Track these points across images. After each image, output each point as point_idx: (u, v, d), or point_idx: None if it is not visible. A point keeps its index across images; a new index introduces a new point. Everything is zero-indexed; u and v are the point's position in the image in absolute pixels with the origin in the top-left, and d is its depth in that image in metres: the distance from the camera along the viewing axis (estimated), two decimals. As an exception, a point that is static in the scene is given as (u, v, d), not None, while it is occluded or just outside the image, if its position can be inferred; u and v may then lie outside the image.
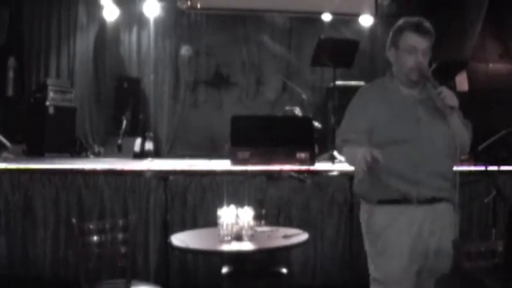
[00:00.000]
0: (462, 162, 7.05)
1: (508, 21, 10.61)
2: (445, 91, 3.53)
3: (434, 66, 8.75)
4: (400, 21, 3.74)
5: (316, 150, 7.87)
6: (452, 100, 3.52)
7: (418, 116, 3.66)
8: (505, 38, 10.75)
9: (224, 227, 4.59)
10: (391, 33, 3.78)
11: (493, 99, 9.15)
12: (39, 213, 6.35)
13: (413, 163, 3.57)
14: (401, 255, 3.60)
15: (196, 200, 6.44)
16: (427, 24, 3.68)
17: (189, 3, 10.73)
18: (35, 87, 10.30)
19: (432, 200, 3.61)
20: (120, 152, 9.47)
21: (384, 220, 3.65)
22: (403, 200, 3.58)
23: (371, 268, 3.79)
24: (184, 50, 11.01)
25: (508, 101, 9.11)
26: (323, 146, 8.59)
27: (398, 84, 3.76)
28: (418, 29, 3.64)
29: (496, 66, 10.62)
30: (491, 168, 6.33)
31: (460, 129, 3.67)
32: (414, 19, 3.69)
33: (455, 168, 3.81)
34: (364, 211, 3.81)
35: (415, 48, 3.63)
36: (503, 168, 6.52)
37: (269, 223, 5.43)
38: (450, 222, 3.73)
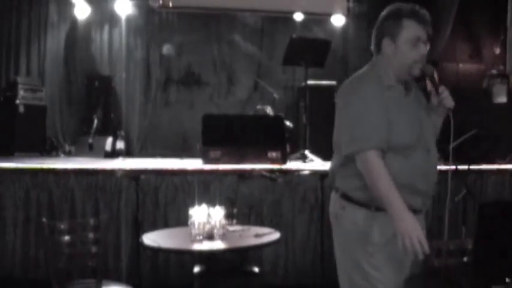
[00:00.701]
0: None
1: (478, 22, 10.72)
2: (446, 92, 3.37)
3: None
4: (395, 8, 3.36)
5: (288, 149, 7.89)
6: (451, 102, 3.37)
7: (420, 119, 3.41)
8: (475, 38, 10.86)
9: (196, 226, 4.59)
10: (384, 21, 3.40)
11: (463, 99, 9.21)
12: (9, 213, 6.30)
13: (423, 172, 3.35)
14: (405, 266, 3.41)
15: (167, 199, 6.43)
16: (425, 10, 3.35)
17: (160, 1, 10.69)
18: (4, 85, 10.20)
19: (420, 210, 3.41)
20: (91, 151, 9.41)
21: (388, 230, 3.25)
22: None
23: (357, 278, 3.39)
24: (166, 49, 10.98)
25: (477, 101, 9.19)
26: (294, 145, 8.60)
27: (395, 81, 3.39)
28: (418, 16, 3.31)
29: (466, 67, 10.73)
30: (461, 167, 6.39)
31: (438, 131, 3.58)
32: (411, 5, 3.33)
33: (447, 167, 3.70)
34: (358, 218, 3.38)
35: (418, 38, 3.30)
36: (473, 167, 6.59)
37: (240, 222, 5.44)
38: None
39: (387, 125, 3.24)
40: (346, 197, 3.44)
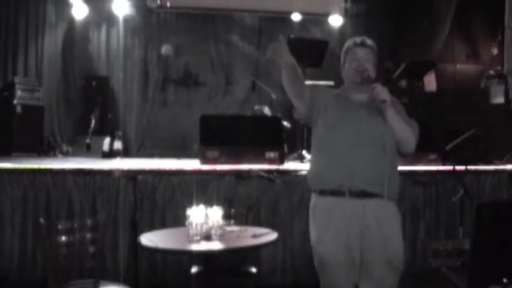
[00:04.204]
0: (430, 162, 7.13)
1: (476, 23, 10.73)
2: (378, 87, 3.88)
3: (403, 66, 8.83)
4: (346, 43, 4.25)
5: (285, 149, 7.88)
6: (384, 94, 3.86)
7: (359, 114, 4.00)
8: (472, 39, 10.88)
9: (193, 226, 4.58)
10: (342, 56, 4.27)
11: (461, 99, 9.24)
12: (6, 213, 6.29)
13: (346, 158, 3.91)
14: (334, 245, 3.91)
15: (165, 200, 6.43)
16: (369, 40, 4.20)
17: (158, 2, 10.71)
18: (2, 85, 10.20)
19: (363, 194, 3.88)
20: (89, 151, 9.40)
21: (324, 210, 3.98)
22: (338, 192, 3.89)
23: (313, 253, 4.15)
24: (165, 49, 10.98)
25: (475, 102, 9.21)
26: (292, 145, 8.61)
27: (350, 91, 4.15)
28: (360, 43, 4.16)
29: (463, 67, 10.74)
30: (458, 167, 6.40)
31: (399, 125, 3.93)
32: (358, 38, 4.23)
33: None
34: (311, 201, 4.13)
35: (356, 55, 4.12)
36: (471, 167, 6.59)
37: (238, 222, 5.43)
38: (390, 216, 3.98)
39: (316, 100, 4.10)
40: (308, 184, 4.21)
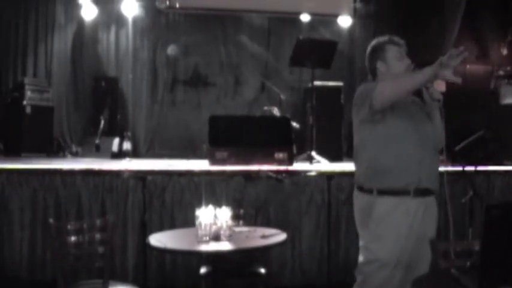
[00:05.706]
0: (439, 163, 7.11)
1: (485, 23, 10.69)
2: (432, 87, 4.07)
3: (412, 67, 8.81)
4: (376, 41, 4.32)
5: (294, 150, 7.87)
6: (438, 94, 4.07)
7: (415, 113, 4.16)
8: (482, 39, 10.83)
9: (202, 227, 4.58)
10: (372, 52, 4.31)
11: (470, 100, 9.20)
12: (16, 213, 6.31)
13: (415, 156, 4.03)
14: (394, 244, 4.01)
15: (174, 200, 6.43)
16: (398, 37, 4.32)
17: (167, 2, 10.70)
18: (11, 86, 10.22)
19: (425, 192, 4.07)
20: (98, 151, 9.42)
21: (384, 210, 4.04)
22: (402, 192, 4.01)
23: (363, 253, 4.19)
24: (170, 50, 10.98)
25: (484, 102, 9.17)
26: (301, 146, 8.60)
27: None
28: (394, 41, 4.27)
29: (473, 68, 10.70)
30: (468, 168, 6.38)
31: (440, 126, 4.14)
32: (387, 37, 4.31)
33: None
34: (363, 201, 4.19)
35: (401, 54, 4.23)
36: (480, 168, 6.57)
37: (247, 223, 5.44)
38: (434, 213, 4.25)
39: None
40: (357, 186, 4.27)
